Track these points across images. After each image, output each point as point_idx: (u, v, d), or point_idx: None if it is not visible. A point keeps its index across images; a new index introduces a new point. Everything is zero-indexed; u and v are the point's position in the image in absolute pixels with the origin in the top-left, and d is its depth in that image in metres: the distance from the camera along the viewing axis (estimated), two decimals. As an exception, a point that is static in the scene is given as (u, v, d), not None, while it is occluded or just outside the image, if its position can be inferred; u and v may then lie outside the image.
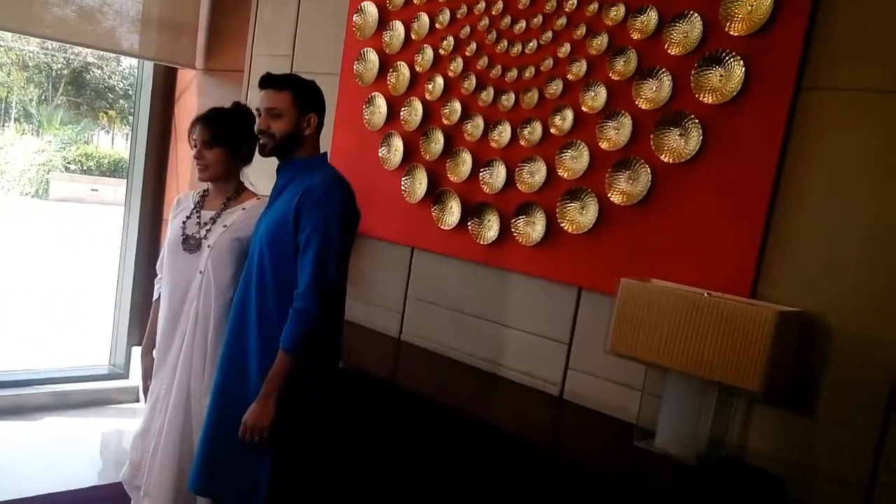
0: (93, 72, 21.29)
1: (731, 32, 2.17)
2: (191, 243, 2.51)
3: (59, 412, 4.28)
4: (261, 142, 2.33)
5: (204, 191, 2.63)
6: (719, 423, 2.05)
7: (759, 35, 2.12)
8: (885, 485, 1.87)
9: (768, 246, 2.08)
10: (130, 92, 20.18)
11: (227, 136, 2.50)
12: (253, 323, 2.30)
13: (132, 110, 5.02)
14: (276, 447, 2.26)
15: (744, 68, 2.13)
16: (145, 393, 2.66)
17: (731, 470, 2.06)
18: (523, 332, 2.63)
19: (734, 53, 2.15)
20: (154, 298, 2.67)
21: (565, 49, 2.55)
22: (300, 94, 2.32)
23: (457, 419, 2.55)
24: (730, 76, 2.16)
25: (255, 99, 3.74)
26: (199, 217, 2.56)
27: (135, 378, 4.60)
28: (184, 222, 2.56)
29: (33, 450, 3.79)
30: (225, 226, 2.51)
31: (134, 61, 4.73)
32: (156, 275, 2.68)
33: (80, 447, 3.92)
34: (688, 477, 2.01)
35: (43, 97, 21.14)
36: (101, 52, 19.47)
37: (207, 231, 2.51)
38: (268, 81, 2.32)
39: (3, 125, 21.58)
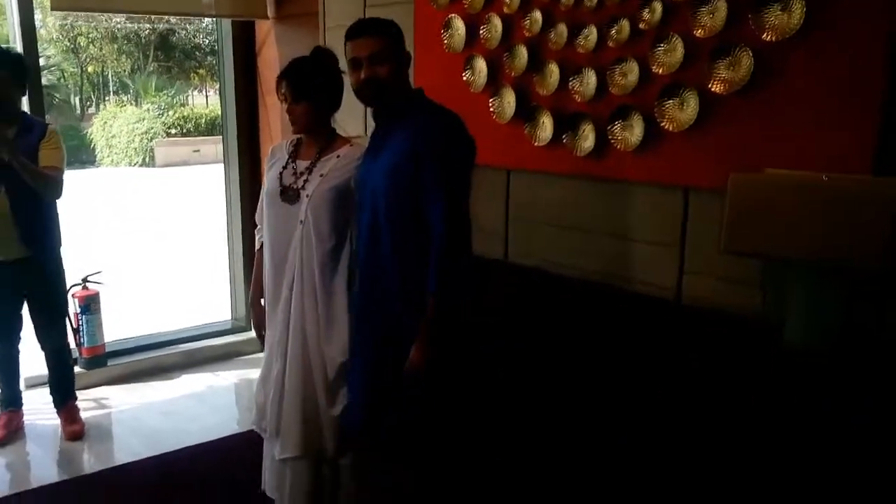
0: (178, 33, 21.98)
1: None
2: (289, 194, 2.58)
3: (192, 369, 4.66)
4: (365, 91, 2.35)
5: (297, 139, 2.70)
6: (850, 309, 2.00)
7: None
8: None
9: (889, 120, 1.96)
10: (216, 47, 20.76)
11: (310, 88, 2.54)
12: (391, 269, 2.37)
13: (218, 72, 5.18)
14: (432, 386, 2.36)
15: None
16: (261, 340, 2.80)
17: (867, 355, 2.01)
18: (631, 241, 2.62)
19: None
20: (257, 248, 2.79)
21: (646, -65, 2.45)
22: (395, 34, 2.36)
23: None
24: (832, -64, 2.02)
25: (334, 41, 3.82)
26: (294, 167, 2.62)
27: (257, 329, 4.89)
28: (280, 173, 2.63)
29: (174, 406, 4.15)
30: (322, 175, 2.57)
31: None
32: (256, 225, 2.80)
33: (216, 399, 4.27)
34: (823, 366, 1.99)
35: (136, 66, 22.08)
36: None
37: (305, 181, 2.58)
38: (365, 28, 2.36)
39: (105, 99, 22.76)
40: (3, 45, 3.58)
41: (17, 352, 3.79)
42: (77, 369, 4.33)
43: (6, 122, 3.37)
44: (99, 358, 4.42)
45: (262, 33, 4.71)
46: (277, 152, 2.74)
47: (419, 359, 2.29)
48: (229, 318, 5.11)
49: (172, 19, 21.03)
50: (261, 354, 2.85)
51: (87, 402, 4.15)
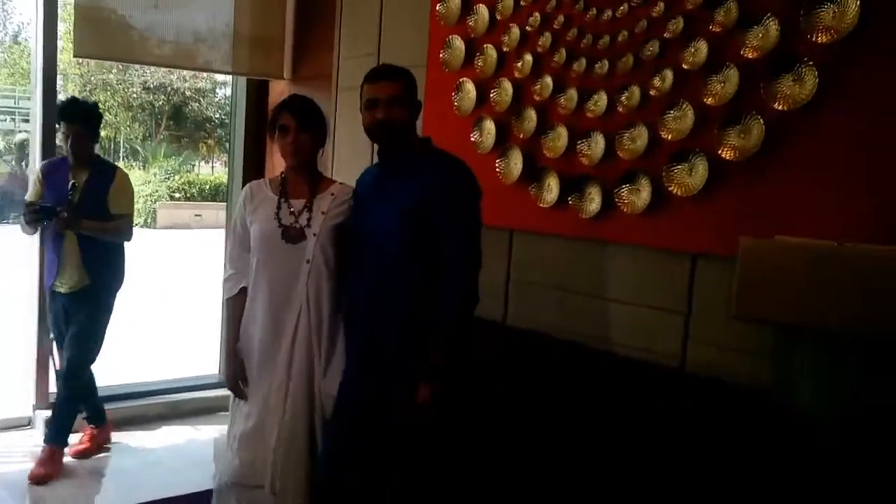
0: (191, 105, 22.30)
1: (842, -34, 2.01)
2: (291, 234, 2.48)
3: (174, 421, 4.43)
4: (379, 131, 2.39)
5: (281, 179, 2.61)
6: (865, 380, 1.88)
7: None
8: None
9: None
10: (226, 120, 21.07)
11: (314, 120, 2.54)
12: (403, 312, 2.35)
13: (228, 137, 5.20)
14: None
15: (858, 1, 1.97)
16: (235, 391, 2.62)
17: (884, 428, 1.88)
18: (636, 306, 2.52)
19: (847, -13, 2.00)
20: (229, 296, 2.61)
21: (660, 8, 2.44)
22: (411, 82, 2.44)
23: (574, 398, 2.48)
24: (844, 11, 2.00)
25: (346, 100, 3.82)
26: (289, 206, 2.53)
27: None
28: (276, 213, 2.52)
29: (153, 457, 3.94)
30: (323, 212, 2.51)
31: (229, 90, 4.95)
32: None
33: (195, 453, 4.05)
34: (836, 439, 1.86)
35: (147, 134, 22.31)
36: (198, 87, 20.19)
37: (309, 219, 2.50)
38: (385, 73, 2.44)
39: (114, 163, 22.87)
40: (78, 97, 3.79)
41: (89, 371, 3.75)
42: (55, 412, 4.13)
43: (79, 168, 3.59)
44: (79, 403, 4.20)
45: (275, 94, 4.70)
46: (258, 192, 2.60)
47: (428, 393, 2.24)
48: (216, 371, 4.92)
49: (188, 92, 21.42)
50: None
51: (63, 446, 3.93)
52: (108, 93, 21.22)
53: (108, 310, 3.71)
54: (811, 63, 2.06)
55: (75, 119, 3.55)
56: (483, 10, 3.05)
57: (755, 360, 2.15)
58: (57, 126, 3.69)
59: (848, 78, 2.01)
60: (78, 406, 3.75)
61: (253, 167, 4.84)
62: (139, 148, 22.14)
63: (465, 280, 2.29)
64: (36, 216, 3.44)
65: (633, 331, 2.52)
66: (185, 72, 16.28)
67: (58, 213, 3.42)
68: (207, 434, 4.30)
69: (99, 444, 3.86)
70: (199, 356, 5.55)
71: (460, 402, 2.41)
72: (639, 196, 2.47)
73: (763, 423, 2.05)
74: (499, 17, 2.99)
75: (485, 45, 3.04)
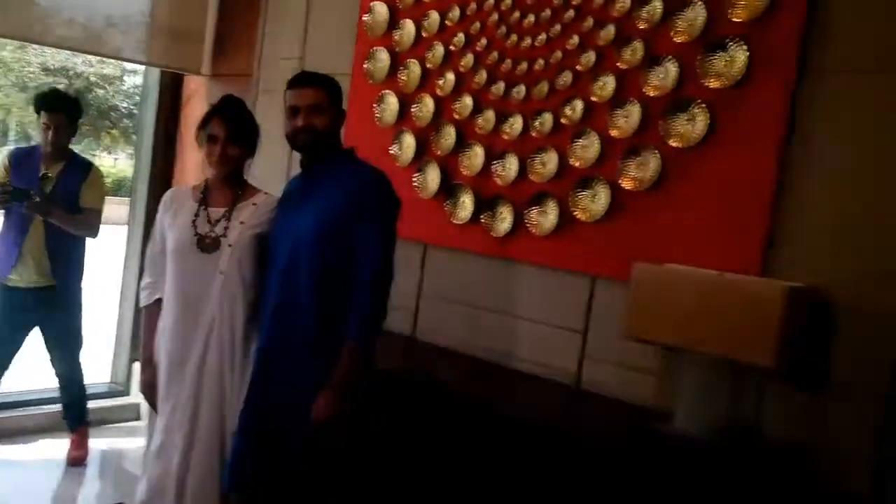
0: (95, 91, 21.72)
1: (734, 19, 2.33)
2: (207, 243, 2.50)
3: (57, 434, 4.15)
4: (300, 138, 2.48)
5: (204, 185, 2.63)
6: (736, 401, 2.17)
7: (761, 20, 2.28)
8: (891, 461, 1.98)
9: (776, 226, 2.22)
10: (134, 110, 20.56)
11: (247, 131, 2.59)
12: (309, 319, 2.41)
13: (136, 129, 5.16)
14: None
15: (747, 53, 2.29)
16: (153, 405, 2.63)
17: (749, 446, 2.17)
18: (538, 324, 2.77)
19: (737, 39, 2.31)
20: (144, 304, 2.64)
21: (574, 41, 2.72)
22: (335, 90, 2.54)
23: (473, 411, 2.68)
24: (734, 61, 2.32)
25: (265, 103, 3.95)
26: (207, 215, 2.55)
27: (136, 395, 4.56)
28: (193, 221, 2.53)
29: (25, 475, 3.77)
30: (241, 222, 2.52)
31: (139, 79, 4.92)
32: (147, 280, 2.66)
33: (77, 469, 3.91)
34: (706, 456, 2.13)
35: (43, 118, 21.58)
36: (105, 73, 19.58)
37: (225, 228, 2.51)
38: (307, 79, 2.53)
39: (1, 147, 22.03)
40: (61, 88, 3.78)
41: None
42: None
43: (53, 159, 3.68)
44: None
45: (189, 90, 4.75)
46: (178, 199, 2.61)
47: (331, 406, 2.32)
48: (107, 381, 4.82)
49: (92, 77, 20.89)
50: (135, 423, 2.68)
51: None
52: (1, 71, 20.49)
53: (78, 305, 3.90)
54: (703, 105, 2.37)
55: (59, 110, 3.63)
56: (409, 25, 3.27)
57: (645, 378, 2.42)
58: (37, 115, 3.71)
59: (734, 122, 2.32)
60: (84, 387, 4.05)
61: (162, 162, 4.82)
62: (32, 132, 21.40)
63: (376, 294, 2.39)
64: (6, 197, 3.47)
65: (535, 347, 2.76)
66: (91, 56, 15.91)
67: (31, 195, 3.47)
68: (93, 447, 4.07)
69: None
70: (88, 363, 5.43)
71: (362, 418, 2.54)
72: (546, 218, 2.73)
73: (644, 439, 2.31)
74: (424, 34, 3.22)
75: (409, 60, 3.26)
